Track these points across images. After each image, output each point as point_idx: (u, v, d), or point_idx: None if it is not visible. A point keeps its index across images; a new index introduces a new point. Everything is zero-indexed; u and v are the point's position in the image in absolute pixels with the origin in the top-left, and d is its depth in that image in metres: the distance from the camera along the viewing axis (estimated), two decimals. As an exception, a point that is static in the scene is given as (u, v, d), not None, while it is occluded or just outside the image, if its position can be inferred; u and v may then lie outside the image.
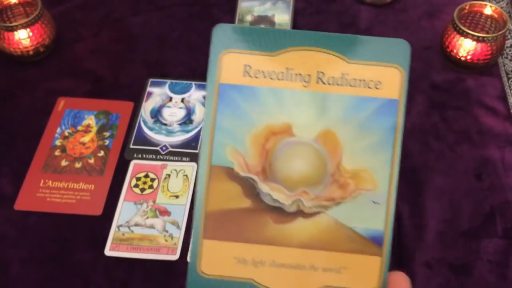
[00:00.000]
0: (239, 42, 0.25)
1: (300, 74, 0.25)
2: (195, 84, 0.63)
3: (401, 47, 0.26)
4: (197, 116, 0.60)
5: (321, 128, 0.25)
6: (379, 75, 0.25)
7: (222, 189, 0.25)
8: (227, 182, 0.25)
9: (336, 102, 0.25)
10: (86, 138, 0.58)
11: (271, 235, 0.24)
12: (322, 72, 0.25)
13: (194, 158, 0.56)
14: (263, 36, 0.25)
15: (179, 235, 0.50)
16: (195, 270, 0.24)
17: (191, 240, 0.24)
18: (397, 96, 0.25)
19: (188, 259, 0.24)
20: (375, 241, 0.24)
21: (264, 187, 0.25)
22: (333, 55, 0.25)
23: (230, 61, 0.25)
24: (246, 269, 0.24)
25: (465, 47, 0.61)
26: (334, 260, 0.24)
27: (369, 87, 0.25)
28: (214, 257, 0.24)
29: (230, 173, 0.25)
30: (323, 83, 0.25)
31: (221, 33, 0.26)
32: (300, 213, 0.25)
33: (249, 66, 0.25)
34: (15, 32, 0.62)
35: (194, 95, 0.62)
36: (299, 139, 0.25)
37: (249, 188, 0.25)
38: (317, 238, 0.24)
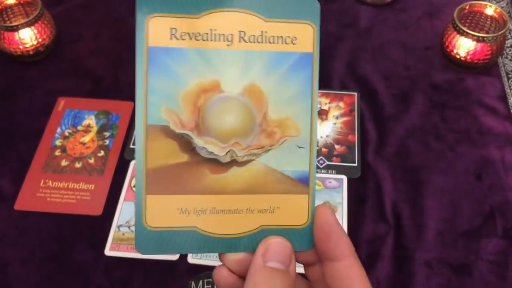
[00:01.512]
0: (163, 7, 0.27)
1: (223, 34, 0.27)
2: (195, 84, 0.63)
3: (311, 5, 0.27)
4: (197, 116, 0.60)
5: (246, 82, 0.27)
6: (294, 31, 0.27)
7: (160, 146, 0.26)
8: (164, 139, 0.26)
9: (258, 58, 0.27)
10: (86, 138, 0.58)
11: (209, 185, 0.26)
12: (243, 31, 0.27)
13: (194, 158, 0.56)
14: (186, 0, 0.27)
15: (179, 235, 0.50)
16: (141, 224, 0.26)
17: (135, 197, 0.26)
18: (311, 50, 0.27)
19: (135, 216, 0.26)
20: (302, 181, 0.27)
21: (199, 142, 0.27)
22: (252, 15, 0.27)
23: (156, 25, 0.27)
24: (189, 218, 0.26)
25: (465, 47, 0.61)
26: (267, 202, 0.27)
27: (286, 43, 0.27)
28: (158, 211, 0.26)
29: (166, 131, 0.26)
30: (245, 41, 0.27)
31: None
32: (234, 162, 0.27)
33: (175, 29, 0.27)
34: (15, 32, 0.62)
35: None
36: (227, 95, 0.27)
37: (185, 143, 0.27)
38: (251, 183, 0.27)
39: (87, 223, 0.52)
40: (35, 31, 0.63)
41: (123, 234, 0.50)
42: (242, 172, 0.27)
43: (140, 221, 0.26)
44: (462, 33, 0.61)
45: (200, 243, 0.26)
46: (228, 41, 0.27)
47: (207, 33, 0.27)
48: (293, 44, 0.27)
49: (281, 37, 0.27)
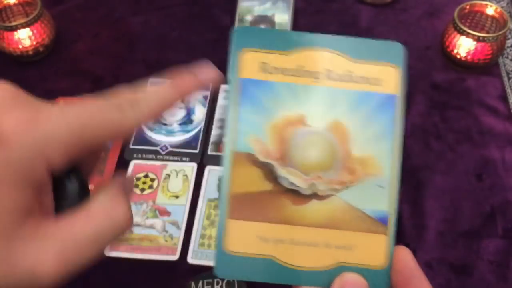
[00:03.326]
0: (256, 42, 0.28)
1: (311, 71, 0.28)
2: (195, 84, 0.63)
3: (396, 49, 0.28)
4: (197, 116, 0.60)
5: (331, 119, 0.28)
6: (380, 73, 0.28)
7: (245, 173, 0.27)
8: (249, 167, 0.28)
9: (343, 96, 0.28)
10: (86, 138, 0.58)
11: (290, 215, 0.27)
12: (331, 70, 0.28)
13: (194, 158, 0.56)
14: (277, 37, 0.28)
15: (179, 235, 0.50)
16: (221, 247, 0.27)
17: (218, 220, 0.27)
18: (395, 92, 0.28)
19: (216, 238, 0.27)
20: (381, 221, 0.27)
21: (282, 172, 0.28)
22: (340, 55, 0.28)
23: (248, 58, 0.28)
24: (267, 246, 0.27)
25: (466, 47, 0.61)
26: (345, 238, 0.27)
27: (372, 84, 0.28)
28: (238, 236, 0.27)
29: (252, 159, 0.28)
30: (332, 79, 0.28)
31: (240, 33, 0.28)
32: (315, 195, 0.27)
33: (266, 63, 0.28)
34: (15, 32, 0.62)
35: (194, 95, 0.62)
36: (312, 129, 0.28)
37: (269, 172, 0.28)
38: (330, 218, 0.27)
39: (87, 223, 0.51)
40: (35, 31, 0.63)
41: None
42: (322, 206, 0.27)
43: (221, 245, 0.27)
44: (462, 33, 0.61)
45: (276, 273, 0.27)
46: (316, 78, 0.28)
47: (296, 69, 0.28)
48: (378, 85, 0.28)
49: (366, 77, 0.28)
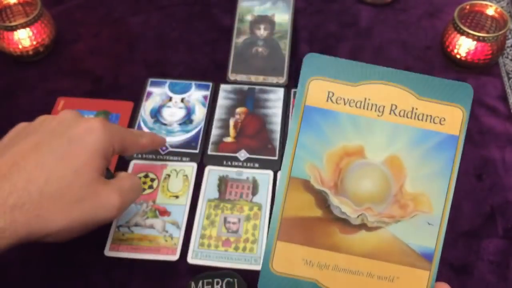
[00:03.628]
0: (325, 71, 0.29)
1: (376, 105, 0.28)
2: (195, 84, 0.63)
3: (465, 91, 0.29)
4: (197, 116, 0.60)
5: (389, 153, 0.28)
6: (444, 113, 0.28)
7: (298, 198, 0.28)
8: (303, 192, 0.28)
9: (404, 132, 0.28)
10: (86, 138, 0.58)
11: (337, 243, 0.28)
12: (395, 105, 0.28)
13: (194, 158, 0.56)
14: (347, 68, 0.29)
15: (179, 235, 0.50)
16: (267, 266, 0.28)
17: (267, 240, 0.28)
18: (457, 133, 0.29)
19: (262, 258, 0.29)
20: (426, 257, 0.28)
21: (334, 200, 0.28)
22: (406, 91, 0.28)
23: (316, 86, 0.29)
24: (312, 270, 0.28)
25: (466, 47, 0.61)
26: (388, 270, 0.28)
27: (434, 122, 0.28)
28: (285, 257, 0.28)
29: (306, 185, 0.29)
30: (395, 114, 0.28)
31: (311, 61, 0.29)
32: (364, 226, 0.28)
33: (332, 93, 0.29)
34: (15, 32, 0.62)
35: (194, 95, 0.62)
36: (369, 161, 0.28)
37: (322, 200, 0.29)
38: (376, 250, 0.28)
39: (86, 223, 0.51)
40: (35, 31, 0.63)
41: (123, 235, 0.50)
42: (370, 237, 0.28)
43: (267, 264, 0.28)
44: (462, 32, 0.61)
45: None
46: (379, 112, 0.28)
47: (361, 101, 0.28)
48: (441, 124, 0.28)
49: (431, 116, 0.28)
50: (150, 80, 0.63)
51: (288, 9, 0.69)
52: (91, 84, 0.64)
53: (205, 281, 0.46)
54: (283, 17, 0.69)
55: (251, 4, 0.70)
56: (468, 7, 0.64)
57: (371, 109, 0.28)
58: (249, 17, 0.69)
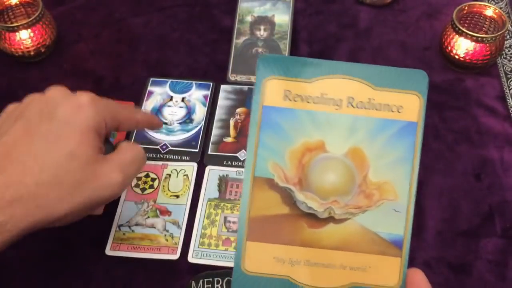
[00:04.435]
0: (280, 70, 0.29)
1: (333, 99, 0.29)
2: (196, 84, 0.63)
3: (420, 77, 0.29)
4: (197, 116, 0.60)
5: (350, 145, 0.28)
6: (401, 101, 0.29)
7: (264, 197, 0.29)
8: (268, 191, 0.29)
9: (363, 123, 0.29)
10: (87, 138, 0.58)
11: (306, 238, 0.28)
12: (352, 97, 0.29)
13: (193, 157, 0.56)
14: (301, 65, 0.29)
15: (180, 234, 0.50)
16: (239, 268, 0.28)
17: (236, 242, 0.28)
18: (416, 119, 0.29)
19: (234, 259, 0.29)
20: (396, 244, 0.28)
21: (300, 196, 0.29)
22: (362, 82, 0.29)
23: (272, 86, 0.29)
24: (284, 267, 0.28)
25: (464, 48, 0.62)
26: (360, 260, 0.28)
27: (392, 111, 0.29)
28: (256, 257, 0.28)
29: (271, 184, 0.29)
30: (353, 106, 0.29)
31: (265, 61, 0.29)
32: (331, 219, 0.28)
33: (289, 91, 0.29)
34: (16, 33, 0.62)
35: (195, 94, 0.62)
36: (331, 155, 0.29)
37: (287, 197, 0.29)
38: (346, 241, 0.28)
39: (87, 222, 0.52)
40: (36, 31, 0.63)
41: (124, 234, 0.50)
42: (338, 229, 0.28)
43: (239, 265, 0.28)
44: (461, 33, 0.61)
45: None
46: (337, 105, 0.29)
47: (318, 97, 0.29)
48: (399, 112, 0.29)
49: (388, 105, 0.29)
50: (151, 79, 0.64)
51: (288, 10, 0.70)
52: (92, 84, 0.64)
53: (205, 280, 0.47)
54: (283, 18, 0.69)
55: (251, 5, 0.70)
56: (466, 8, 0.64)
57: (329, 103, 0.29)
58: (249, 18, 0.69)
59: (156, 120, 0.50)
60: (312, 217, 0.28)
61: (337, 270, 0.28)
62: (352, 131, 0.28)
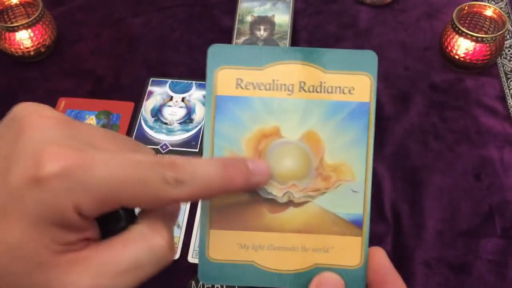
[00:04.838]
0: (231, 59, 0.29)
1: (284, 84, 0.29)
2: (196, 84, 0.63)
3: (369, 58, 0.29)
4: (197, 116, 0.60)
5: (304, 129, 0.29)
6: (352, 82, 0.29)
7: None
8: None
9: (316, 107, 0.29)
10: (87, 138, 0.58)
11: (267, 223, 0.29)
12: (304, 82, 0.29)
13: (193, 157, 0.56)
14: (251, 54, 0.29)
15: (179, 234, 0.50)
16: (204, 255, 0.28)
17: (199, 230, 0.28)
18: (368, 99, 0.29)
19: (198, 247, 0.29)
20: (356, 223, 0.29)
21: None
22: (312, 66, 0.29)
23: (224, 76, 0.29)
24: (248, 253, 0.28)
25: (464, 48, 0.62)
26: (322, 242, 0.28)
27: (344, 93, 0.29)
28: (219, 244, 0.28)
29: None
30: (305, 91, 0.29)
31: (215, 52, 0.29)
32: (291, 203, 0.29)
33: (241, 79, 0.29)
34: (16, 33, 0.63)
35: (195, 94, 0.62)
36: (286, 140, 0.29)
37: None
38: (307, 224, 0.29)
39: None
40: (36, 31, 0.63)
41: (124, 234, 0.50)
42: (298, 212, 0.29)
43: (203, 253, 0.28)
44: (461, 33, 0.61)
45: (257, 277, 0.28)
46: (289, 90, 0.29)
47: (270, 83, 0.29)
48: (351, 94, 0.29)
49: (339, 87, 0.29)
50: (151, 79, 0.64)
51: (287, 10, 0.70)
52: (92, 84, 0.64)
53: (205, 279, 0.47)
54: (283, 18, 0.69)
55: (251, 5, 0.70)
56: (466, 8, 0.64)
57: (281, 89, 0.29)
58: (249, 18, 0.69)
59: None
60: (272, 202, 0.28)
61: (300, 252, 0.28)
62: (305, 115, 0.29)
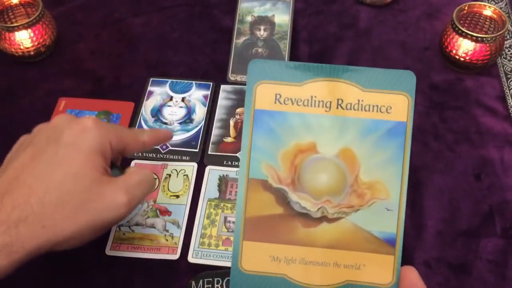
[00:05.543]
0: (270, 74, 0.30)
1: (322, 101, 0.29)
2: (196, 84, 0.63)
3: (408, 78, 0.29)
4: (197, 116, 0.60)
5: (341, 146, 0.29)
6: (390, 101, 0.29)
7: (258, 198, 0.29)
8: (263, 192, 0.29)
9: (353, 124, 0.29)
10: (87, 138, 0.58)
11: (300, 237, 0.29)
12: (341, 99, 0.29)
13: (193, 157, 0.56)
14: (291, 69, 0.30)
15: (180, 234, 0.50)
16: (236, 266, 0.29)
17: (233, 241, 0.29)
18: (405, 119, 0.29)
19: (231, 258, 0.30)
20: (389, 242, 0.29)
21: (293, 197, 0.29)
22: (351, 84, 0.29)
23: (263, 90, 0.30)
24: (280, 266, 0.29)
25: (464, 48, 0.62)
26: (354, 259, 0.28)
27: (381, 111, 0.29)
28: (252, 256, 0.29)
29: (265, 185, 0.29)
30: (342, 108, 0.29)
31: (255, 66, 0.29)
32: (325, 218, 0.29)
33: (280, 95, 0.29)
34: (16, 33, 0.63)
35: (195, 94, 0.62)
36: (322, 156, 0.29)
37: (281, 197, 0.29)
38: (339, 240, 0.29)
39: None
40: (36, 31, 0.63)
41: (124, 234, 0.50)
42: (331, 228, 0.29)
43: (236, 264, 0.29)
44: (461, 33, 0.61)
45: None
46: (327, 107, 0.29)
47: (308, 99, 0.29)
48: (388, 113, 0.29)
49: (377, 105, 0.29)
50: (151, 79, 0.64)
51: (287, 10, 0.70)
52: (92, 84, 0.64)
53: (205, 280, 0.47)
54: (283, 18, 0.69)
55: (251, 5, 0.70)
56: (466, 8, 0.64)
57: (318, 105, 0.29)
58: (249, 18, 0.69)
59: (161, 134, 0.48)
60: (306, 217, 0.29)
61: (332, 268, 0.28)
62: (342, 132, 0.29)
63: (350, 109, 0.29)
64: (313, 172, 0.29)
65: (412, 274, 0.28)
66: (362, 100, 0.29)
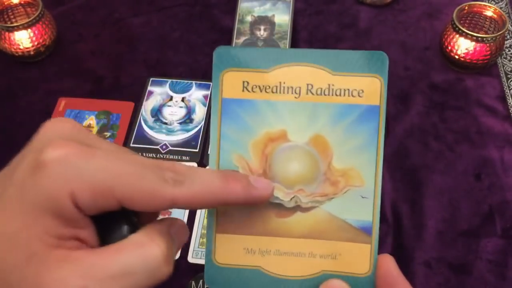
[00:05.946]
0: (237, 62, 0.28)
1: (291, 87, 0.28)
2: (196, 84, 0.63)
3: (380, 59, 0.28)
4: (197, 115, 0.60)
5: (312, 133, 0.28)
6: (361, 85, 0.28)
7: None
8: None
9: (324, 110, 0.28)
10: (87, 138, 0.58)
11: (274, 227, 0.28)
12: (311, 84, 0.28)
13: (193, 157, 0.56)
14: (257, 56, 0.28)
15: (179, 234, 0.50)
16: (210, 260, 0.28)
17: (206, 235, 0.28)
18: (378, 103, 0.28)
19: (205, 251, 0.28)
20: (365, 230, 0.28)
21: None
22: (320, 68, 0.28)
23: (230, 78, 0.28)
24: (254, 258, 0.28)
25: (464, 48, 0.62)
26: (329, 248, 0.28)
27: (353, 96, 0.28)
28: (226, 249, 0.28)
29: None
30: (312, 94, 0.28)
31: (221, 54, 0.28)
32: (298, 207, 0.28)
33: (247, 82, 0.28)
34: (16, 33, 0.63)
35: (195, 94, 0.62)
36: (293, 144, 0.28)
37: None
38: (314, 229, 0.28)
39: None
40: (36, 31, 0.63)
41: (124, 234, 0.50)
42: (306, 217, 0.28)
43: (210, 257, 0.28)
44: (461, 33, 0.61)
45: (263, 282, 0.28)
46: (296, 93, 0.28)
47: (276, 86, 0.28)
48: (360, 96, 0.28)
49: (348, 89, 0.28)
50: (151, 79, 0.64)
51: (288, 10, 0.70)
52: (92, 84, 0.64)
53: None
54: (283, 18, 0.69)
55: (251, 5, 0.70)
56: (467, 8, 0.64)
57: (288, 92, 0.28)
58: (249, 18, 0.69)
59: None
60: (280, 207, 0.28)
61: (307, 258, 0.28)
62: (313, 118, 0.28)
63: (321, 94, 0.28)
64: (284, 161, 0.28)
65: (389, 262, 0.27)
66: (333, 85, 0.28)
